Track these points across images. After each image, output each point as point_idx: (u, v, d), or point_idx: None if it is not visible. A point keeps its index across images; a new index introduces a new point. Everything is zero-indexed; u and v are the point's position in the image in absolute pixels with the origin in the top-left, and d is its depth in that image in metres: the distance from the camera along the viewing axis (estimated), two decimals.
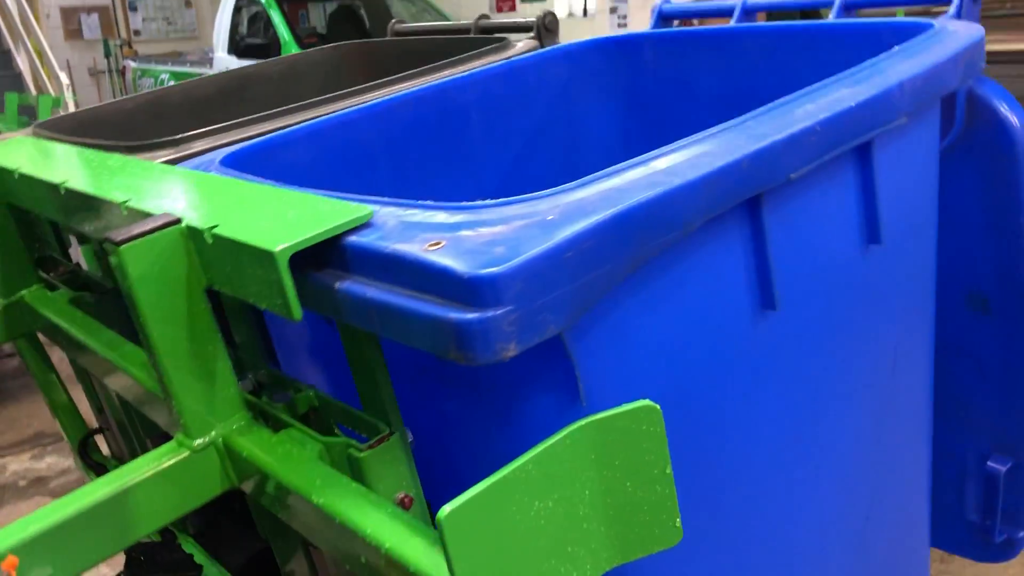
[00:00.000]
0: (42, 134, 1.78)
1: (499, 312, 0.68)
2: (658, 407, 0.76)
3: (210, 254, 0.91)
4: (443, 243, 0.75)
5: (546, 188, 0.85)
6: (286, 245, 0.79)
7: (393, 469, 0.93)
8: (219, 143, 1.50)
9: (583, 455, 0.74)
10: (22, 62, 7.34)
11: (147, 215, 0.98)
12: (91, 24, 14.08)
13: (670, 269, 0.87)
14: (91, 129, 2.02)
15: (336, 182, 1.38)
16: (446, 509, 0.67)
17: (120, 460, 1.86)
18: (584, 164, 1.66)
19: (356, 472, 0.92)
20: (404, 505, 0.93)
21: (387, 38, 2.51)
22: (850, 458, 1.14)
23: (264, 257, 0.81)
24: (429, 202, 0.85)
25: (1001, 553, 1.53)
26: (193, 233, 0.92)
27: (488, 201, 0.81)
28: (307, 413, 1.07)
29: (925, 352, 1.29)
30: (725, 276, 0.93)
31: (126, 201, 1.05)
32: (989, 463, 1.47)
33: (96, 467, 1.86)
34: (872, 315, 1.13)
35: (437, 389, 0.97)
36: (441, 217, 0.81)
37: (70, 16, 13.95)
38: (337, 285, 0.81)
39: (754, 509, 1.03)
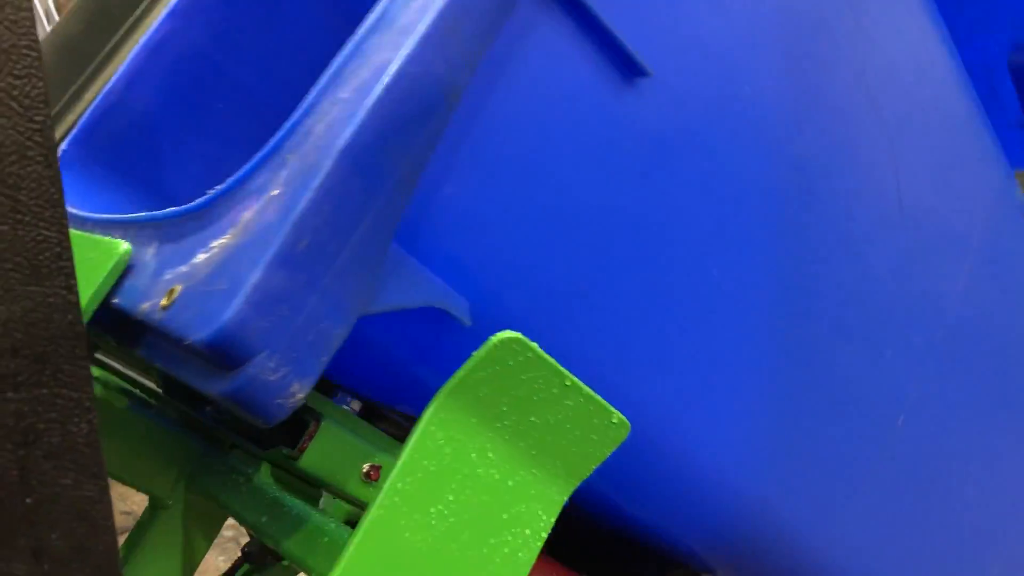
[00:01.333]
0: None
1: (253, 366, 0.54)
2: (517, 335, 0.61)
3: None
4: (178, 289, 0.60)
5: None
6: None
7: (340, 452, 0.84)
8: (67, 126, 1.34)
9: (460, 427, 0.62)
10: None
11: None
12: None
13: (478, 116, 0.68)
14: None
15: (195, 121, 1.16)
16: None
17: None
18: None
19: (304, 475, 0.83)
20: (371, 478, 0.85)
21: None
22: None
23: None
24: (173, 208, 0.68)
25: None
26: None
27: (218, 188, 0.64)
28: None
29: None
30: (565, 75, 0.72)
31: None
32: (1012, 54, 1.20)
33: None
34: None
35: None
36: (184, 236, 0.65)
37: None
38: (137, 352, 0.69)
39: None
